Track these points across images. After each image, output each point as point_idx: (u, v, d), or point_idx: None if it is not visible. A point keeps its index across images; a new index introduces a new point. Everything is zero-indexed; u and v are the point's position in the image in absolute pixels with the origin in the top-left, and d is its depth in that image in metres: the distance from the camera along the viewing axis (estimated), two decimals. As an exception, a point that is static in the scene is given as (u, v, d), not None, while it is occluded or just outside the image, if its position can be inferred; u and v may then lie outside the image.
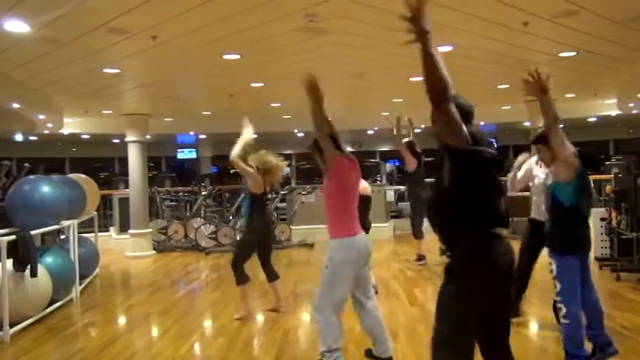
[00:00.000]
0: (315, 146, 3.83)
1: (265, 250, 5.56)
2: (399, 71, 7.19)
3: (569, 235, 3.54)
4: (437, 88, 2.13)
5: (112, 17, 4.24)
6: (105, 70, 6.18)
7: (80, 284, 6.59)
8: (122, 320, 5.81)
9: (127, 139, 9.69)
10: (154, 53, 5.44)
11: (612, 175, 8.17)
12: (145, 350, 4.60)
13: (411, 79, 7.65)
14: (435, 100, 2.13)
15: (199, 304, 6.25)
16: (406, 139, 7.92)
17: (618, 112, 12.24)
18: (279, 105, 10.41)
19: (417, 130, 8.57)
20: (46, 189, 5.97)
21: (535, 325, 4.90)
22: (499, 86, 8.50)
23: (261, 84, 7.72)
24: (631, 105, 11.34)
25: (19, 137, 14.89)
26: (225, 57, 5.78)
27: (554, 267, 3.57)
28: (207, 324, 5.46)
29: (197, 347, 4.68)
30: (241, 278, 5.30)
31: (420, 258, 7.84)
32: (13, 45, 4.93)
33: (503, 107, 12.19)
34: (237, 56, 5.77)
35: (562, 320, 3.58)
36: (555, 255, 3.57)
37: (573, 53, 5.99)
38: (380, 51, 5.92)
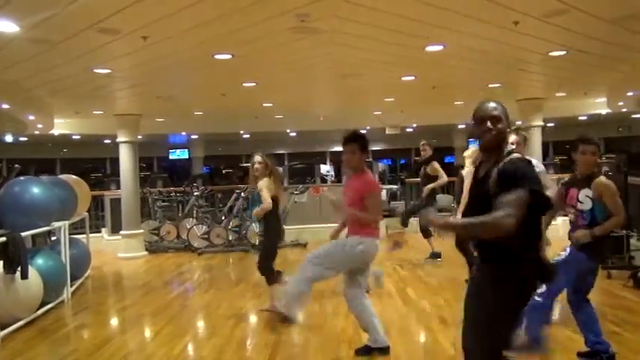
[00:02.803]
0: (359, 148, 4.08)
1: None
2: (391, 71, 7.21)
3: (607, 246, 3.83)
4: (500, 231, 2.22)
5: (102, 17, 4.21)
6: (96, 71, 6.14)
7: (71, 286, 6.55)
8: (114, 322, 5.79)
9: (119, 139, 9.63)
10: (145, 53, 5.41)
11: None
12: (138, 352, 4.58)
13: (403, 78, 7.67)
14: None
15: (192, 304, 6.23)
16: (426, 142, 7.88)
17: (608, 110, 12.33)
18: (271, 105, 10.40)
19: (408, 130, 8.61)
20: (36, 190, 5.93)
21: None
22: (490, 85, 8.54)
23: (253, 84, 7.71)
24: (621, 103, 11.43)
25: (9, 138, 14.79)
26: (217, 57, 5.76)
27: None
28: (201, 324, 5.45)
29: (190, 348, 4.67)
30: (275, 278, 5.31)
31: (438, 255, 7.78)
32: (3, 45, 4.89)
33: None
34: (228, 56, 5.75)
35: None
36: (584, 258, 3.66)
37: (563, 52, 6.03)
38: (372, 50, 5.93)
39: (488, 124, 2.44)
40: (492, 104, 2.51)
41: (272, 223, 5.37)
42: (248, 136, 18.61)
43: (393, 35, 5.23)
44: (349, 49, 5.83)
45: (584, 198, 3.66)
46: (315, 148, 21.80)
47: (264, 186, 5.16)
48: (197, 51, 5.57)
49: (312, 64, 6.57)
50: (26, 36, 4.61)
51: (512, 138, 4.63)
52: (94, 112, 10.45)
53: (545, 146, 10.08)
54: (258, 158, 5.31)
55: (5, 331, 4.88)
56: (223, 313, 5.58)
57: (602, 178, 3.69)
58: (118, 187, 10.15)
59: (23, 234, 5.37)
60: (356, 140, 4.03)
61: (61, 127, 12.37)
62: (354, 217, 4.04)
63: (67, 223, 6.44)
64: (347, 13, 4.45)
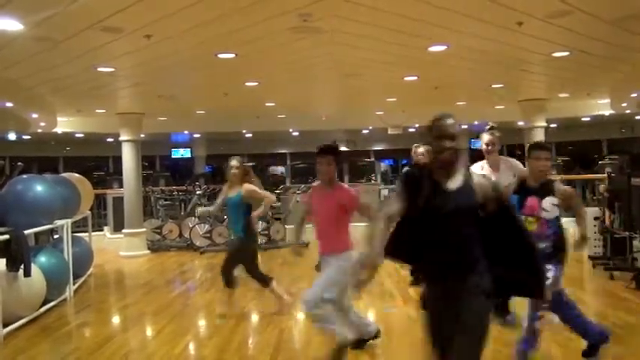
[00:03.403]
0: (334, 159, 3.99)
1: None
2: (393, 71, 7.20)
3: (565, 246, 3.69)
4: None
5: (105, 16, 4.22)
6: (99, 69, 6.16)
7: (74, 284, 6.56)
8: (116, 320, 5.80)
9: (121, 138, 9.65)
10: (148, 52, 5.42)
11: (605, 175, 8.21)
12: (139, 350, 4.60)
13: (405, 78, 7.67)
14: None
15: (194, 303, 6.24)
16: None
17: (611, 111, 12.32)
18: (273, 104, 10.41)
19: (411, 130, 8.58)
20: (39, 188, 5.94)
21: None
22: (493, 85, 8.53)
23: (256, 83, 7.72)
24: (624, 105, 11.41)
25: (12, 136, 14.81)
26: (220, 56, 5.77)
27: (554, 274, 3.56)
28: (202, 323, 5.46)
29: (192, 347, 4.68)
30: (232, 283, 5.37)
31: None
32: (6, 43, 4.90)
33: (496, 107, 12.24)
34: (231, 55, 5.76)
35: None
36: (556, 265, 3.58)
37: (566, 53, 6.02)
38: (374, 50, 5.93)
39: (447, 142, 2.46)
40: (450, 121, 2.53)
41: (250, 227, 5.31)
42: (250, 135, 18.62)
43: (394, 35, 5.23)
44: (351, 49, 5.83)
45: (550, 206, 3.54)
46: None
47: (253, 187, 5.16)
48: (200, 50, 5.58)
49: (313, 64, 6.58)
50: (29, 34, 4.62)
51: (487, 138, 4.55)
52: (97, 111, 10.46)
53: (547, 147, 10.02)
54: (235, 163, 5.24)
55: (8, 329, 4.90)
56: (225, 311, 5.59)
57: (563, 185, 3.68)
58: (121, 186, 10.16)
59: (26, 232, 5.39)
60: (332, 152, 3.95)
61: (63, 125, 12.40)
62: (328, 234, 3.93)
63: (69, 221, 6.45)
64: (348, 12, 4.46)
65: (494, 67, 6.96)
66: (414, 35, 5.25)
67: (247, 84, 7.73)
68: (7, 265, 5.04)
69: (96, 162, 22.36)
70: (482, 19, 4.68)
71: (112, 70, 6.23)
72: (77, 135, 15.93)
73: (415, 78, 7.67)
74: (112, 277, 8.16)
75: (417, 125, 15.52)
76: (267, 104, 10.31)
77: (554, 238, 3.58)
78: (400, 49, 5.86)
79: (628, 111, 12.42)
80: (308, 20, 4.49)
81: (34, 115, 10.07)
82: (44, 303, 5.65)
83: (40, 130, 12.55)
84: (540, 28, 4.95)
